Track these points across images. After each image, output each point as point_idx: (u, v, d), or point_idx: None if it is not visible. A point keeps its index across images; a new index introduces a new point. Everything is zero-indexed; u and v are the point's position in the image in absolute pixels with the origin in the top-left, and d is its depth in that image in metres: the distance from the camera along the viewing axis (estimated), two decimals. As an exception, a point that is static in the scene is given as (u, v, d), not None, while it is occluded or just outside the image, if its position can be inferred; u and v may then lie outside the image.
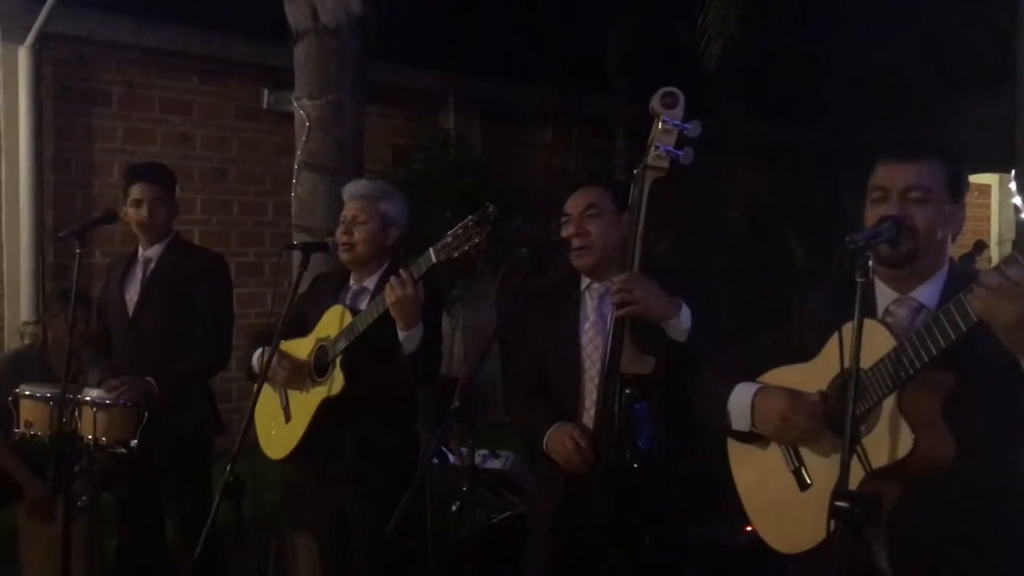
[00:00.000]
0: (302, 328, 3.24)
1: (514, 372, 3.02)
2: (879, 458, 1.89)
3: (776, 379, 2.21)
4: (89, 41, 6.53)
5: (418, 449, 3.25)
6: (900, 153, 2.07)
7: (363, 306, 3.09)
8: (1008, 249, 10.39)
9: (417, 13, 6.38)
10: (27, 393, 3.58)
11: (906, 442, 1.86)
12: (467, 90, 8.49)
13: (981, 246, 11.55)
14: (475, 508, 3.04)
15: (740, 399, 2.20)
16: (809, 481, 2.10)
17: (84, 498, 3.51)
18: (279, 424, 3.27)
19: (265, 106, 7.30)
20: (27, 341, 5.20)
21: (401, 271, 2.90)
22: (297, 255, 3.34)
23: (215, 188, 7.20)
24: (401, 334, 2.91)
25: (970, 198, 2.16)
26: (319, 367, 3.14)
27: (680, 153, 2.51)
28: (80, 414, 3.43)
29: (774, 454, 2.18)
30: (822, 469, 2.05)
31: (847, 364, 1.87)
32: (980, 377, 1.87)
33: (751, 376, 2.24)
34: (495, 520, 3.76)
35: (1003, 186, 13.83)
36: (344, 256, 3.22)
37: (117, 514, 3.84)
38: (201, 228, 6.95)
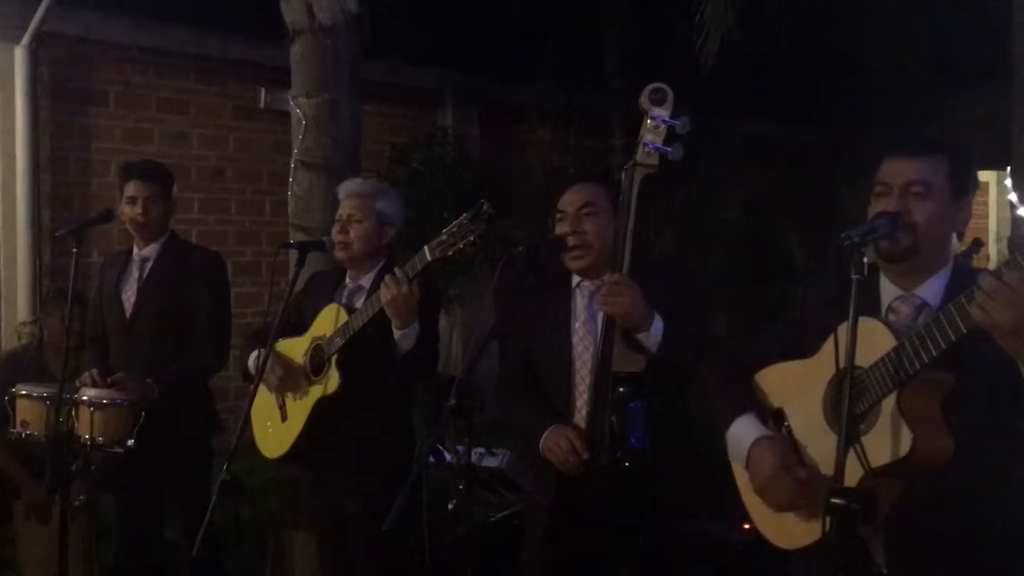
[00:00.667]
0: (298, 327, 3.24)
1: (504, 369, 3.01)
2: (878, 457, 1.89)
3: (776, 376, 2.21)
4: (85, 40, 6.52)
5: (415, 447, 3.25)
6: (904, 149, 2.07)
7: (359, 304, 3.09)
8: (1005, 247, 10.40)
9: (414, 11, 6.38)
10: (23, 392, 3.57)
11: (905, 441, 1.86)
12: (465, 88, 8.48)
13: (978, 244, 11.56)
14: (472, 506, 3.04)
15: (740, 439, 2.18)
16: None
17: (81, 498, 3.51)
18: (275, 423, 3.26)
19: (262, 105, 7.28)
20: (24, 341, 5.20)
21: (396, 269, 2.89)
22: (294, 254, 3.34)
23: (212, 187, 7.19)
24: (396, 333, 2.91)
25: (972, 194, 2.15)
26: (315, 366, 3.13)
27: (669, 149, 2.51)
28: (77, 414, 3.42)
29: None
30: (821, 467, 2.04)
31: (844, 363, 1.87)
32: (980, 377, 1.87)
33: (751, 375, 2.23)
34: (492, 518, 3.76)
35: (1000, 183, 13.82)
36: (340, 255, 3.22)
37: (115, 514, 3.84)
38: (199, 227, 6.94)
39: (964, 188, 2.08)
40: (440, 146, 7.69)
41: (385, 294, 2.85)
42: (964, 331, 1.79)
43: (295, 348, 3.22)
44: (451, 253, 2.78)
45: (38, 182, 6.29)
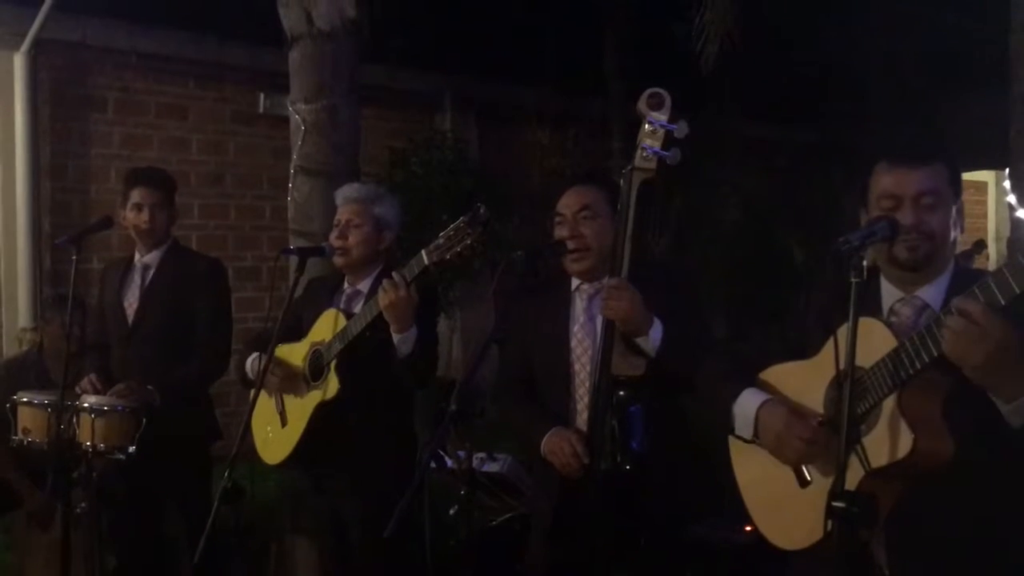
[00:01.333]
0: (297, 332, 3.24)
1: (504, 373, 3.01)
2: (878, 458, 1.90)
3: (777, 376, 2.21)
4: (85, 47, 6.53)
5: (416, 452, 3.25)
6: (908, 159, 2.07)
7: (357, 309, 3.09)
8: (1005, 246, 10.39)
9: (412, 15, 6.39)
10: (24, 400, 3.56)
11: (906, 442, 1.86)
12: (463, 92, 8.48)
13: (980, 245, 11.56)
14: (473, 511, 3.04)
15: (746, 407, 2.19)
16: (809, 478, 2.10)
17: (83, 505, 3.51)
18: (276, 429, 3.26)
19: (261, 110, 7.30)
20: (25, 347, 5.20)
21: (394, 273, 2.89)
22: (294, 259, 3.34)
23: (212, 192, 7.19)
24: (395, 337, 2.91)
25: (967, 196, 2.18)
26: (314, 371, 3.14)
27: (667, 154, 2.51)
28: (78, 421, 3.42)
29: (775, 452, 2.18)
30: (822, 467, 2.05)
31: (844, 364, 1.87)
32: None
33: (753, 372, 2.24)
34: (494, 523, 3.76)
35: (999, 183, 13.83)
36: (339, 260, 3.22)
37: (117, 521, 3.84)
38: (199, 232, 6.95)
39: (960, 191, 2.12)
40: (439, 150, 7.70)
41: (383, 298, 2.85)
42: None
43: (294, 353, 3.22)
44: (448, 257, 2.78)
45: (38, 189, 6.30)
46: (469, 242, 2.73)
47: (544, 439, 2.69)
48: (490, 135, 8.67)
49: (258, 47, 6.73)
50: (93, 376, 3.53)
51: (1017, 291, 1.74)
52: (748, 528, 2.35)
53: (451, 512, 3.39)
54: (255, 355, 3.27)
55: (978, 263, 9.96)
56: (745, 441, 2.24)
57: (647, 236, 7.75)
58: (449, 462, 3.50)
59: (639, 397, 2.50)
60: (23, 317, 6.22)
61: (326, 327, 3.13)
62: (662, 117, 2.52)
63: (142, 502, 3.70)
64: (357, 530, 3.16)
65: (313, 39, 4.26)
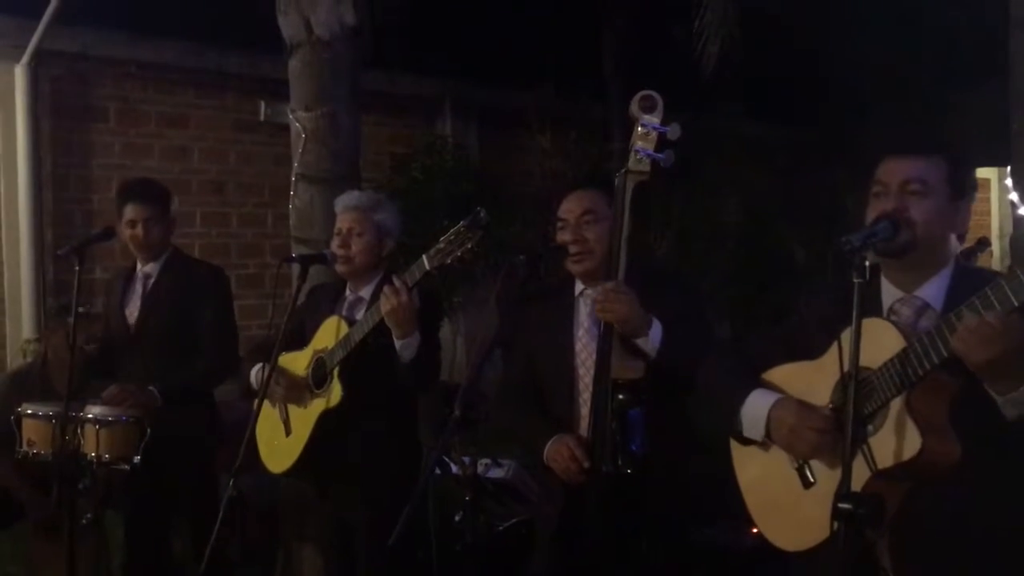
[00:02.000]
0: (300, 340, 3.24)
1: (507, 378, 3.01)
2: (885, 458, 1.89)
3: (782, 377, 2.20)
4: (85, 57, 6.54)
5: (420, 458, 3.25)
6: (902, 149, 2.08)
7: (359, 316, 3.09)
8: (1007, 244, 10.38)
9: (411, 20, 6.39)
10: (29, 412, 3.57)
11: (913, 444, 1.85)
12: (463, 96, 8.49)
13: (984, 243, 11.54)
14: (478, 517, 3.03)
15: (756, 408, 2.17)
16: (812, 479, 2.09)
17: (89, 516, 3.51)
18: (280, 437, 3.26)
19: (262, 118, 7.30)
20: (29, 359, 5.20)
21: (395, 279, 2.89)
22: (296, 267, 3.34)
23: (214, 201, 7.20)
24: (397, 343, 2.91)
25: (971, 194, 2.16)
26: (317, 379, 3.13)
27: (661, 156, 2.51)
28: (82, 432, 3.43)
29: (777, 452, 2.17)
30: (826, 468, 2.05)
31: (848, 365, 1.87)
32: None
33: (756, 373, 2.23)
34: (499, 528, 3.75)
35: (1002, 181, 13.80)
36: (342, 268, 3.22)
37: (123, 530, 3.84)
38: (200, 241, 6.96)
39: (962, 190, 2.08)
40: (439, 155, 7.71)
41: (385, 304, 2.85)
42: None
43: (297, 361, 3.22)
44: (449, 261, 2.78)
45: (40, 199, 6.31)
46: (469, 246, 2.74)
47: (546, 447, 2.70)
48: (490, 139, 8.67)
49: (258, 55, 6.74)
50: (114, 390, 3.54)
51: None
52: (755, 530, 2.34)
53: (456, 518, 3.38)
54: (259, 366, 3.28)
55: (981, 261, 9.94)
56: (748, 441, 2.23)
57: (648, 238, 7.75)
58: (454, 468, 3.49)
59: (639, 400, 2.49)
60: (26, 328, 6.22)
61: (329, 335, 3.13)
62: (655, 119, 2.52)
63: (149, 511, 3.70)
64: (362, 537, 3.16)
65: (312, 47, 4.26)
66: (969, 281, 1.87)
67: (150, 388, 3.53)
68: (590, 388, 2.68)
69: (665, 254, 8.05)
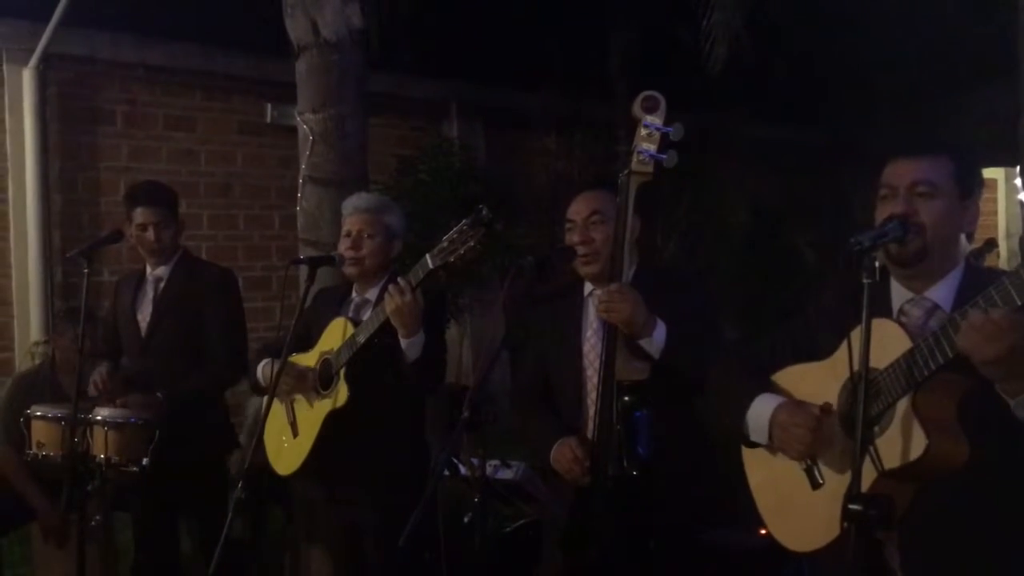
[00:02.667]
0: (306, 343, 3.25)
1: (518, 380, 3.02)
2: (892, 459, 1.89)
3: (790, 378, 2.20)
4: (92, 60, 6.56)
5: (428, 459, 3.25)
6: (908, 151, 2.07)
7: (365, 318, 3.10)
8: (1016, 243, 10.35)
9: (417, 22, 6.40)
10: (38, 414, 3.58)
11: (919, 444, 1.85)
12: (469, 98, 8.49)
13: (991, 244, 11.52)
14: (487, 519, 3.03)
15: (760, 413, 2.18)
16: (821, 480, 2.09)
17: (98, 518, 3.52)
18: (288, 439, 3.27)
19: (269, 120, 7.32)
20: (37, 361, 5.22)
21: (399, 279, 2.90)
22: (304, 269, 3.34)
23: (221, 203, 7.21)
24: (403, 342, 2.91)
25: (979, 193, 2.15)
26: (324, 380, 3.14)
27: (664, 156, 2.52)
28: (92, 434, 3.43)
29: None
30: (834, 469, 2.05)
31: (857, 366, 1.86)
32: None
33: (765, 375, 2.23)
34: (507, 530, 3.75)
35: (1009, 181, 13.76)
36: (351, 270, 3.22)
37: (132, 532, 3.85)
38: (208, 243, 6.97)
39: (970, 189, 2.08)
40: (446, 157, 7.71)
41: (389, 304, 2.86)
42: None
43: (304, 363, 3.22)
44: (452, 259, 2.78)
45: (48, 202, 6.33)
46: (472, 244, 2.74)
47: (552, 449, 2.70)
48: (497, 141, 8.67)
49: (264, 58, 6.75)
50: (103, 369, 3.53)
51: None
52: (763, 531, 2.34)
53: (465, 520, 3.38)
54: (267, 361, 3.28)
55: (988, 261, 9.91)
56: (757, 445, 2.23)
57: (655, 239, 7.76)
58: (463, 469, 3.50)
59: (644, 402, 2.49)
60: (35, 331, 6.24)
61: (335, 336, 3.13)
62: (657, 120, 2.52)
63: (158, 513, 3.71)
64: (371, 539, 3.16)
65: (320, 49, 4.28)
66: (979, 282, 1.86)
67: (157, 395, 3.53)
68: (597, 386, 2.68)
69: (672, 255, 8.04)
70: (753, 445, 2.23)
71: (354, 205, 3.29)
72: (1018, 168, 6.35)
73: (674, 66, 6.91)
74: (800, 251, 9.13)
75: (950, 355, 1.82)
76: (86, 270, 3.48)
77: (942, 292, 2.04)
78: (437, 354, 3.06)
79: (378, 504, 3.09)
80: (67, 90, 6.50)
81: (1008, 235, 13.21)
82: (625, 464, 2.45)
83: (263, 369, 3.29)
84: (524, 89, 8.26)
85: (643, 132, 2.52)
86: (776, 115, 9.27)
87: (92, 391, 3.54)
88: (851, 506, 1.80)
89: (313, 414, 3.16)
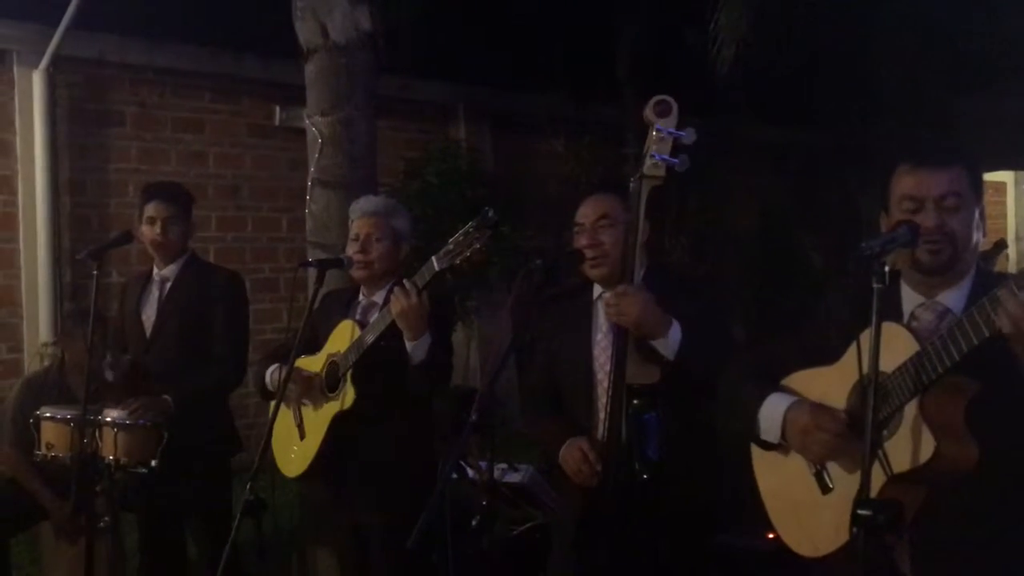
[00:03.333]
0: (314, 345, 3.25)
1: (527, 383, 3.02)
2: (900, 463, 1.89)
3: (800, 382, 2.20)
4: (101, 63, 6.59)
5: (435, 462, 3.24)
6: (930, 161, 2.07)
7: (372, 320, 3.10)
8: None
9: (425, 25, 6.41)
10: (48, 415, 3.59)
11: (928, 447, 1.85)
12: (477, 101, 8.50)
13: (1000, 245, 11.51)
14: (495, 522, 3.03)
15: (772, 411, 2.18)
16: (831, 485, 2.09)
17: (106, 519, 3.53)
18: (295, 441, 3.27)
19: (277, 123, 7.34)
20: (46, 363, 5.23)
21: (405, 281, 2.91)
22: (313, 272, 3.35)
23: (229, 205, 7.23)
24: (408, 344, 2.92)
25: (986, 196, 2.17)
26: (331, 382, 3.14)
27: (676, 161, 2.51)
28: (101, 435, 3.44)
29: (796, 458, 2.17)
30: (844, 473, 2.05)
31: (867, 370, 1.86)
32: (1004, 382, 1.86)
33: (775, 379, 2.23)
34: (515, 532, 3.75)
35: (1018, 183, 13.74)
36: (360, 273, 3.23)
37: (139, 533, 3.86)
38: (216, 245, 6.99)
39: (980, 193, 2.10)
40: (453, 159, 7.72)
41: (395, 305, 2.87)
42: (987, 335, 1.79)
43: (311, 366, 3.23)
44: (458, 262, 2.79)
45: (57, 204, 6.36)
46: (478, 246, 2.74)
47: (561, 450, 2.70)
48: (504, 144, 8.68)
49: (273, 60, 6.78)
50: (127, 358, 3.55)
51: None
52: (770, 535, 2.34)
53: (472, 523, 3.37)
54: (275, 367, 3.29)
55: (999, 264, 9.88)
56: (769, 447, 2.23)
57: (663, 242, 7.74)
58: (471, 472, 3.49)
59: (654, 405, 2.49)
60: (44, 332, 6.26)
61: (342, 338, 3.13)
62: (670, 124, 2.52)
63: (165, 515, 3.72)
64: (378, 542, 3.16)
65: (329, 52, 4.29)
66: (990, 286, 1.86)
67: (164, 397, 3.54)
68: (606, 389, 2.68)
69: (679, 258, 8.04)
70: (764, 445, 2.23)
71: (361, 208, 3.30)
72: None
73: (681, 69, 6.91)
74: (806, 253, 9.13)
75: (956, 358, 1.82)
76: (95, 272, 3.48)
77: (954, 296, 2.04)
78: (443, 356, 3.06)
79: (384, 506, 3.09)
80: (77, 92, 6.53)
81: (1018, 238, 13.19)
82: (637, 467, 2.44)
83: (271, 375, 3.30)
84: (531, 92, 8.26)
85: (655, 136, 2.51)
86: (783, 118, 9.26)
87: (109, 376, 3.54)
88: (860, 511, 1.80)
89: (320, 416, 3.17)
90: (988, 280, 2.03)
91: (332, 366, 3.15)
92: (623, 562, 2.50)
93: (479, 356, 7.97)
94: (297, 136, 6.15)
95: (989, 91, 8.67)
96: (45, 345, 6.06)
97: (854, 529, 1.81)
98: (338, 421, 3.09)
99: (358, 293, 3.31)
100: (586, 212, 2.79)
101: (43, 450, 3.57)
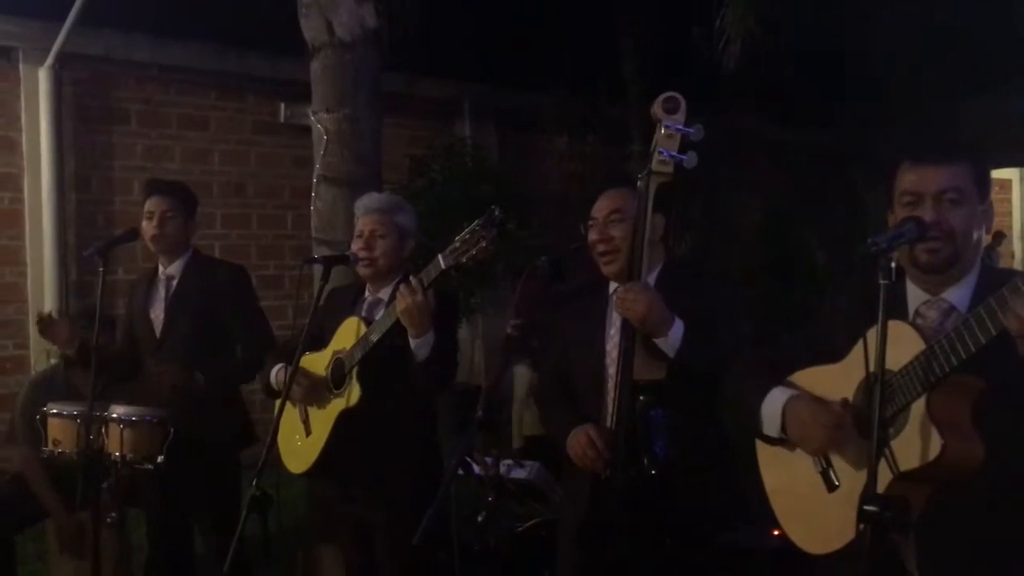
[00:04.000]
0: (319, 342, 3.26)
1: (541, 377, 3.02)
2: (907, 461, 1.88)
3: (806, 379, 2.20)
4: (107, 60, 6.61)
5: (439, 458, 3.25)
6: (930, 157, 2.06)
7: (378, 317, 3.10)
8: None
9: (430, 22, 6.41)
10: (54, 411, 3.60)
11: (934, 445, 1.85)
12: (482, 98, 8.51)
13: (1000, 236, 11.52)
14: (501, 518, 3.03)
15: (772, 405, 2.19)
16: (837, 483, 2.09)
17: (113, 515, 3.54)
18: (300, 438, 3.28)
19: (282, 120, 7.35)
20: (52, 360, 5.25)
21: (411, 278, 2.90)
22: (318, 268, 3.35)
23: (234, 202, 7.25)
24: (413, 342, 2.92)
25: (992, 192, 2.16)
26: (336, 379, 3.15)
27: (684, 157, 2.51)
28: (107, 431, 3.45)
29: (802, 456, 2.17)
30: (850, 471, 2.05)
31: (873, 367, 1.86)
32: (1011, 381, 1.86)
33: (780, 376, 2.24)
34: (520, 529, 3.75)
35: (1024, 181, 13.72)
36: (365, 270, 3.23)
37: (146, 529, 3.87)
38: (221, 242, 7.01)
39: (986, 191, 2.09)
40: (459, 157, 7.72)
41: (400, 303, 2.87)
42: (994, 334, 1.78)
43: (317, 363, 3.23)
44: (464, 260, 2.78)
45: (63, 201, 6.38)
46: (484, 244, 2.73)
47: (567, 439, 2.70)
48: (509, 141, 8.69)
49: (278, 57, 6.79)
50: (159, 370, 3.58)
51: None
52: (776, 532, 2.34)
53: (479, 519, 3.38)
54: (280, 366, 3.29)
55: (1004, 260, 9.87)
56: (772, 442, 2.23)
57: (669, 239, 7.72)
58: (476, 469, 3.50)
59: (661, 401, 2.49)
60: (50, 329, 6.28)
61: (348, 335, 3.14)
62: (678, 120, 2.52)
63: (172, 510, 3.73)
64: (384, 538, 3.16)
65: (334, 49, 4.29)
66: (995, 283, 1.86)
67: (196, 373, 3.55)
68: (614, 385, 2.68)
69: (684, 255, 8.03)
70: (767, 439, 2.23)
71: (366, 205, 3.30)
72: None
73: (686, 67, 6.90)
74: (812, 252, 9.11)
75: (964, 356, 1.81)
76: (101, 268, 3.49)
77: (959, 294, 2.04)
78: (447, 354, 3.06)
79: (390, 503, 3.10)
80: (82, 89, 6.55)
81: (1023, 235, 13.16)
82: (646, 462, 2.44)
83: (276, 374, 3.30)
84: (536, 89, 8.26)
85: (663, 132, 2.51)
86: (789, 116, 9.25)
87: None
88: (866, 507, 1.79)
89: (325, 413, 3.17)
90: (993, 276, 2.03)
91: (338, 363, 3.15)
92: (630, 558, 2.50)
93: (483, 354, 7.98)
94: (302, 133, 6.16)
95: (995, 89, 8.66)
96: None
97: (860, 526, 1.81)
98: (343, 418, 3.09)
99: (364, 290, 3.31)
100: (600, 207, 2.79)
101: (50, 446, 3.58)
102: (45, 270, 6.33)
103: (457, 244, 2.78)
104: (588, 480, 2.67)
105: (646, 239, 2.55)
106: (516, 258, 6.26)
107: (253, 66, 7.16)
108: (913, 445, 1.88)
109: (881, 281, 1.85)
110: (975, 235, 2.04)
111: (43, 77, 6.28)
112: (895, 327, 1.90)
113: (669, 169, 2.52)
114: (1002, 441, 1.86)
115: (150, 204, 3.71)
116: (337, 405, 3.12)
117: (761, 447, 2.30)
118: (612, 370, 2.72)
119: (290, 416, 3.28)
